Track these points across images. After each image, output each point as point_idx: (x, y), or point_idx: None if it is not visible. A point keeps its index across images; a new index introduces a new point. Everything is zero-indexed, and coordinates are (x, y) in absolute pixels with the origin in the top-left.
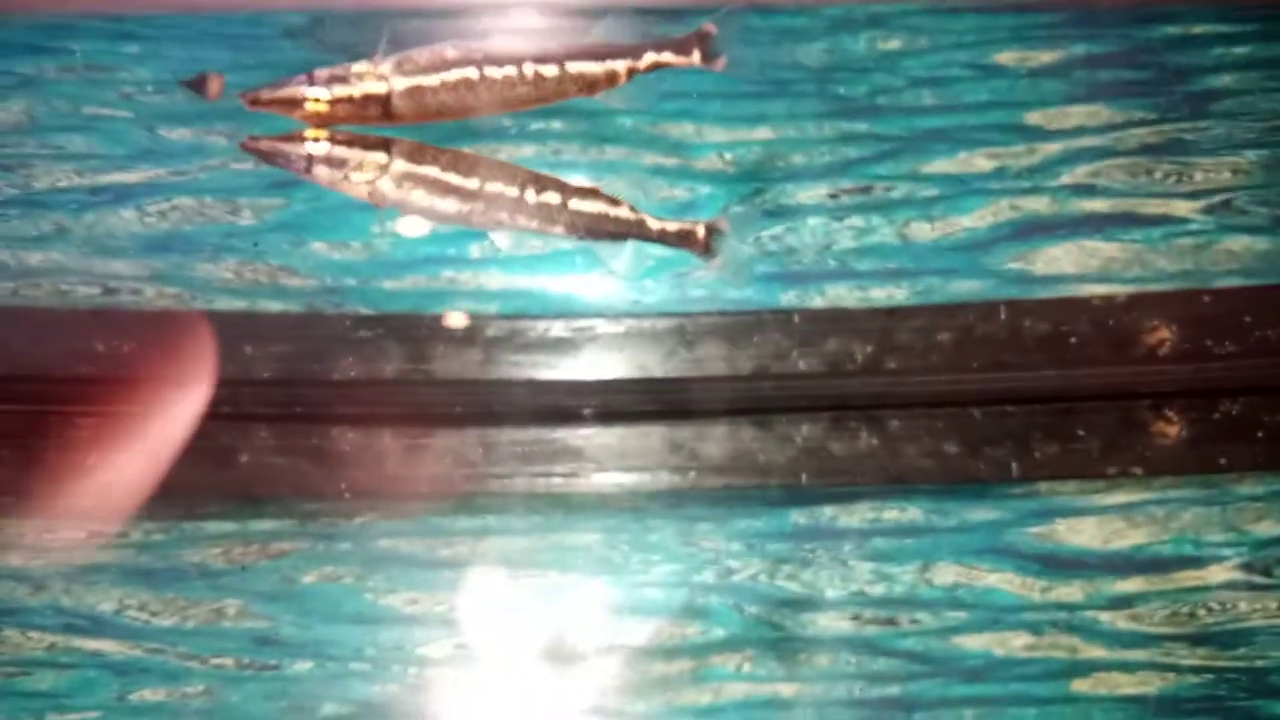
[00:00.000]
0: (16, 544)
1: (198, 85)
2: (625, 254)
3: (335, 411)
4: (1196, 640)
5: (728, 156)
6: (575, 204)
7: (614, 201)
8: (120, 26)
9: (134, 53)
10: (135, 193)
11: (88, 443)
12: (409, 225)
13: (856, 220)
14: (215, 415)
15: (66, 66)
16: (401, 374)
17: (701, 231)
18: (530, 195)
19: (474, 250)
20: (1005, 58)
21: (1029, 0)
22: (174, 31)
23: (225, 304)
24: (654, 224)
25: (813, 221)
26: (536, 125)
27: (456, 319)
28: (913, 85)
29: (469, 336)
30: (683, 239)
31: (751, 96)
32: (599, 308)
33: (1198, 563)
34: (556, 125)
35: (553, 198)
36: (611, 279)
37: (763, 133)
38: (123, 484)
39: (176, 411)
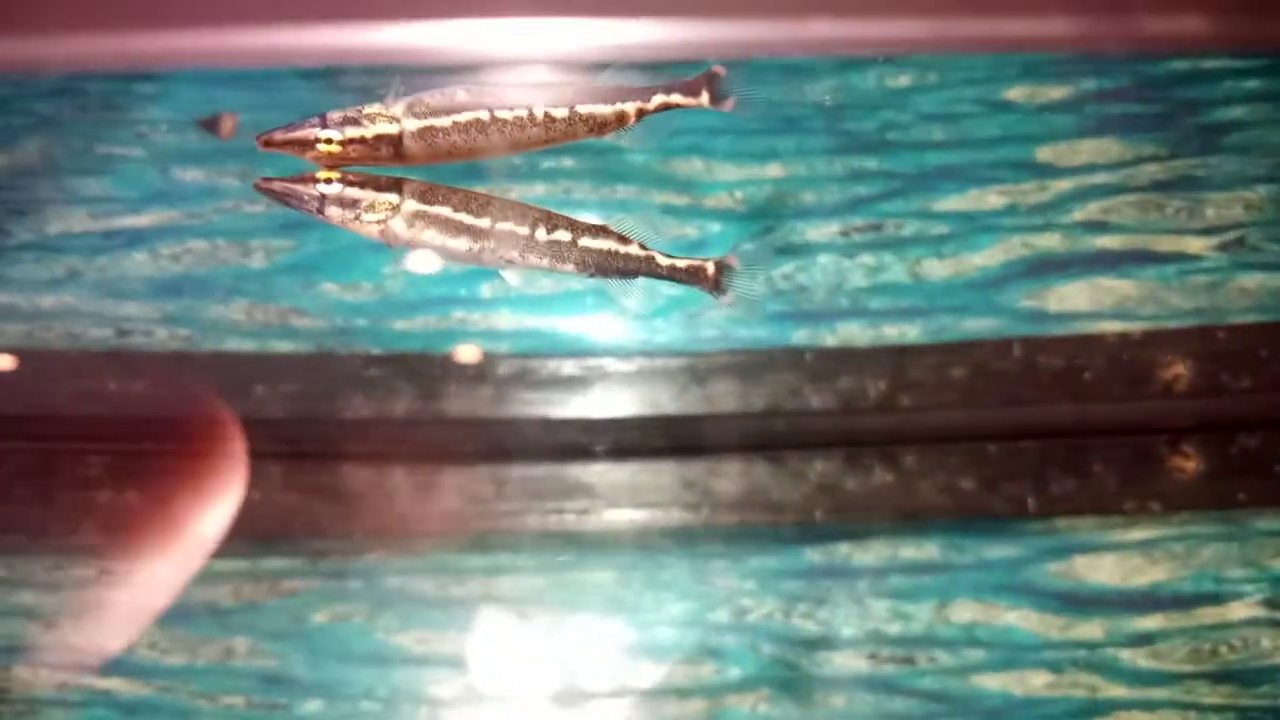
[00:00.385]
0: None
1: (212, 125)
2: (636, 291)
3: (346, 450)
4: (1218, 678)
5: (738, 195)
6: (585, 241)
7: (623, 239)
8: (136, 67)
9: (149, 93)
10: (148, 236)
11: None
12: (420, 261)
13: (868, 258)
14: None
15: (82, 107)
16: (412, 413)
17: (711, 268)
18: (541, 233)
19: (485, 290)
20: (1015, 94)
21: (1037, 41)
22: (189, 74)
23: (236, 345)
24: (663, 260)
25: (824, 260)
26: (548, 164)
27: (469, 353)
28: (922, 122)
29: (480, 375)
30: (692, 275)
31: (761, 134)
32: (610, 347)
33: (1218, 599)
34: (567, 164)
35: (563, 235)
36: (622, 319)
37: (773, 170)
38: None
39: (189, 451)
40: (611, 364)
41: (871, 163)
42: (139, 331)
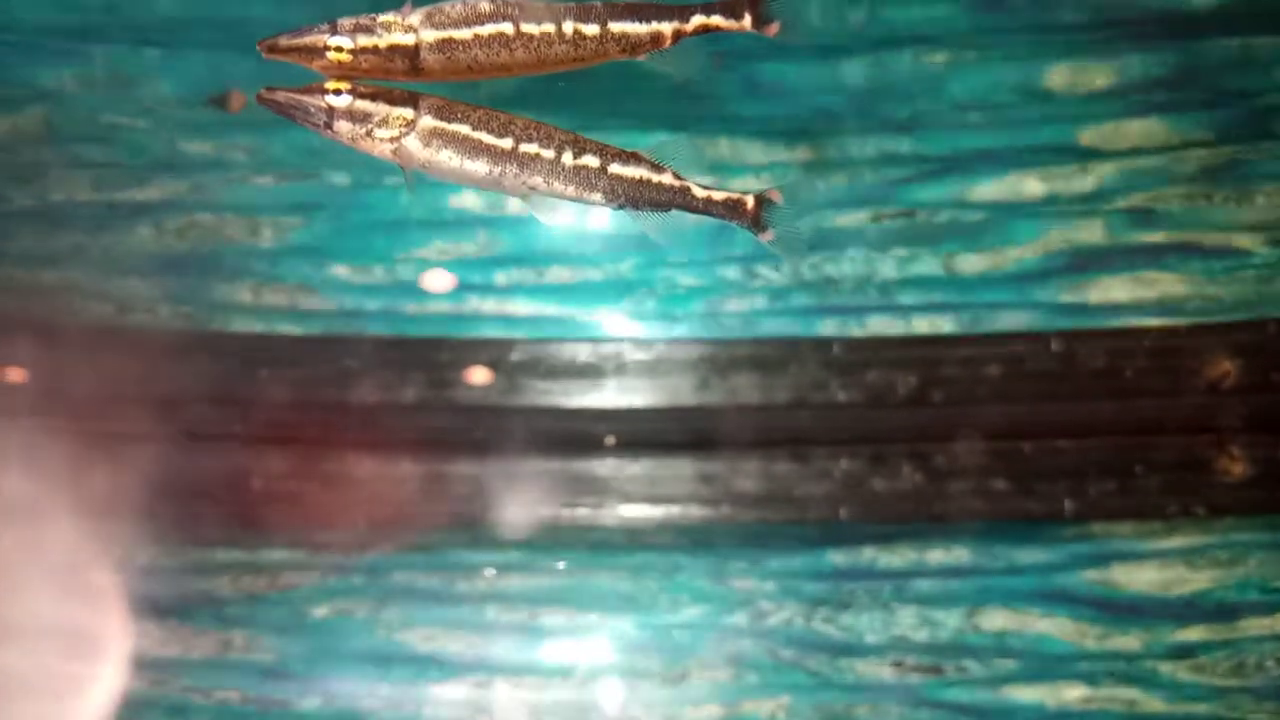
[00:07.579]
0: None
1: (221, 101)
2: (669, 225)
3: (352, 437)
4: (1264, 694)
5: (765, 178)
6: (615, 168)
7: (657, 167)
8: (143, 34)
9: (156, 60)
10: (153, 209)
11: None
12: (435, 280)
13: (899, 249)
14: (226, 438)
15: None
16: (422, 399)
17: (751, 203)
18: (568, 158)
19: (499, 278)
20: (1057, 77)
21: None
22: (197, 41)
23: (242, 325)
24: (700, 192)
25: (853, 249)
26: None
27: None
28: (958, 105)
29: (492, 361)
30: (731, 210)
31: (790, 114)
32: (628, 335)
33: (1265, 609)
34: None
35: (591, 161)
36: (641, 307)
37: (802, 153)
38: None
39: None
40: (629, 352)
41: (904, 146)
42: (141, 309)
